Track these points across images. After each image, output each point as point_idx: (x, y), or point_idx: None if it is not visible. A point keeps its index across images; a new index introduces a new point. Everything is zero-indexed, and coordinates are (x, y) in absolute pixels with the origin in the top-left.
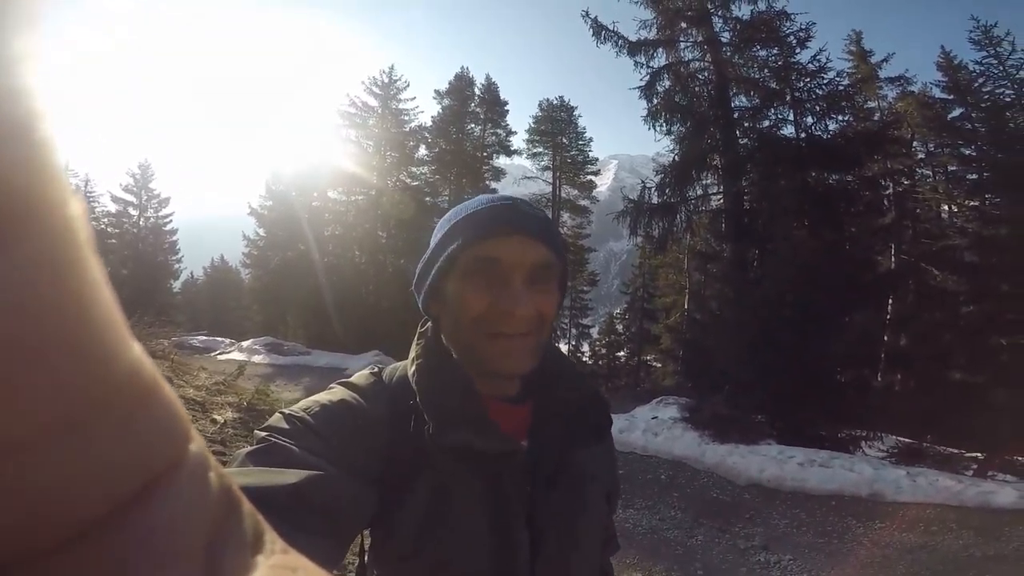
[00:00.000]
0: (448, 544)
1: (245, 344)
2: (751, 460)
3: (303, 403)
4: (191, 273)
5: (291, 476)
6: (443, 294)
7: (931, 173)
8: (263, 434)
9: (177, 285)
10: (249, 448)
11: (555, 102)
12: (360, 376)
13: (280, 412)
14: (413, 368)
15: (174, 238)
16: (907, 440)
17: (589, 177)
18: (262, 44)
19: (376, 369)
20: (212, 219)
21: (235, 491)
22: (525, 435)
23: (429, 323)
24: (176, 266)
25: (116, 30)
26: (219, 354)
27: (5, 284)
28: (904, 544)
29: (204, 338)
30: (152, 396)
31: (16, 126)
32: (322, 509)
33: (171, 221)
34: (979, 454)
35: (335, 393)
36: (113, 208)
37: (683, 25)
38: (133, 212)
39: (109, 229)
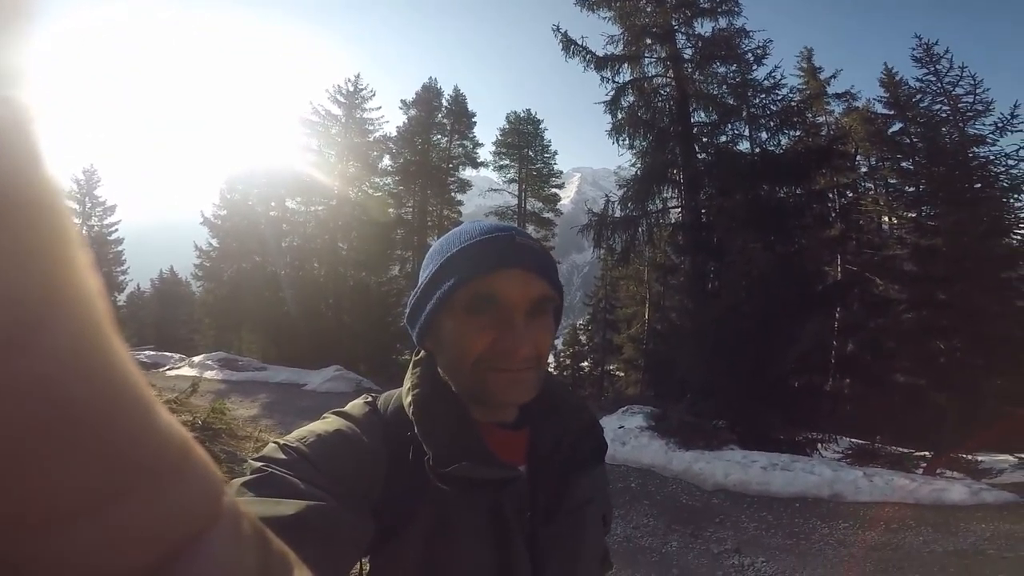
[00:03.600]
0: (450, 572)
1: (196, 359)
2: (716, 466)
3: (298, 433)
4: (137, 285)
5: (289, 507)
6: (439, 330)
7: (873, 186)
8: (259, 464)
9: (122, 298)
10: (245, 478)
11: (522, 115)
12: (355, 406)
13: (274, 442)
14: (409, 398)
15: (120, 248)
16: (859, 441)
17: (554, 190)
18: (219, 45)
19: (370, 399)
20: (160, 226)
21: (268, 535)
22: (523, 460)
23: (423, 352)
24: (121, 278)
25: (62, 23)
26: (168, 369)
27: (31, 375)
28: (868, 543)
29: (152, 353)
30: (185, 461)
31: (37, 211)
32: (321, 539)
33: (117, 230)
34: (927, 453)
35: (330, 423)
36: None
37: (648, 41)
38: (76, 221)
39: None
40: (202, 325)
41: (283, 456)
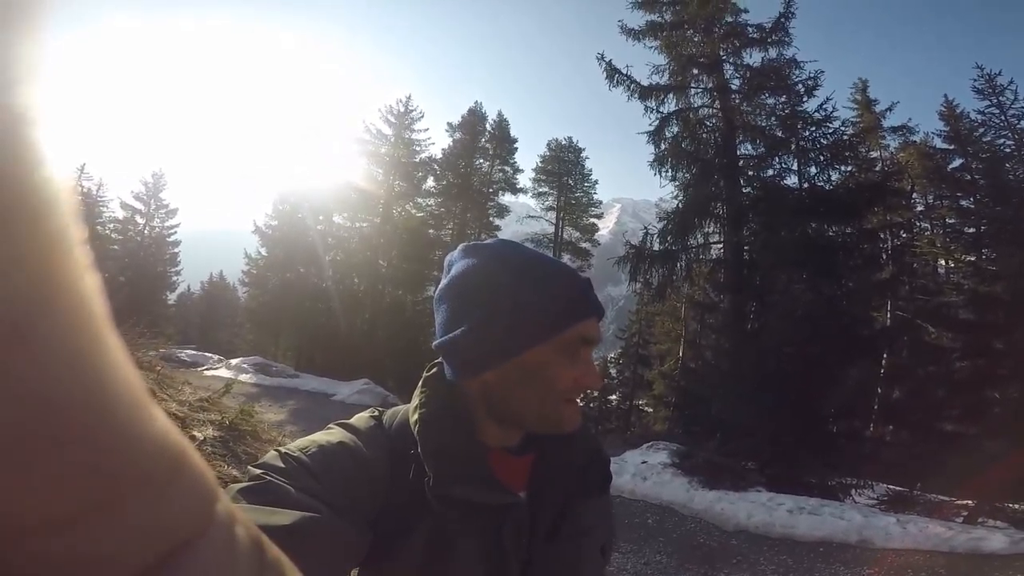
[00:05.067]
0: None
1: (233, 362)
2: (740, 506)
3: (300, 442)
4: (188, 286)
5: (284, 516)
6: (522, 359)
7: (929, 226)
8: (258, 471)
9: (172, 297)
10: (242, 484)
11: (563, 142)
12: (360, 419)
13: (276, 450)
14: (416, 416)
15: (176, 250)
16: (897, 488)
17: (592, 220)
18: (283, 64)
19: (376, 412)
20: (216, 231)
21: (263, 541)
22: (524, 487)
23: (435, 369)
24: (174, 278)
25: (143, 39)
26: (206, 370)
27: (25, 377)
28: None
29: (192, 352)
30: (180, 466)
31: (33, 212)
32: (315, 550)
33: (176, 232)
34: (970, 501)
35: (333, 435)
36: (120, 215)
37: (695, 71)
38: (140, 220)
39: (113, 235)
40: (243, 330)
41: (282, 464)
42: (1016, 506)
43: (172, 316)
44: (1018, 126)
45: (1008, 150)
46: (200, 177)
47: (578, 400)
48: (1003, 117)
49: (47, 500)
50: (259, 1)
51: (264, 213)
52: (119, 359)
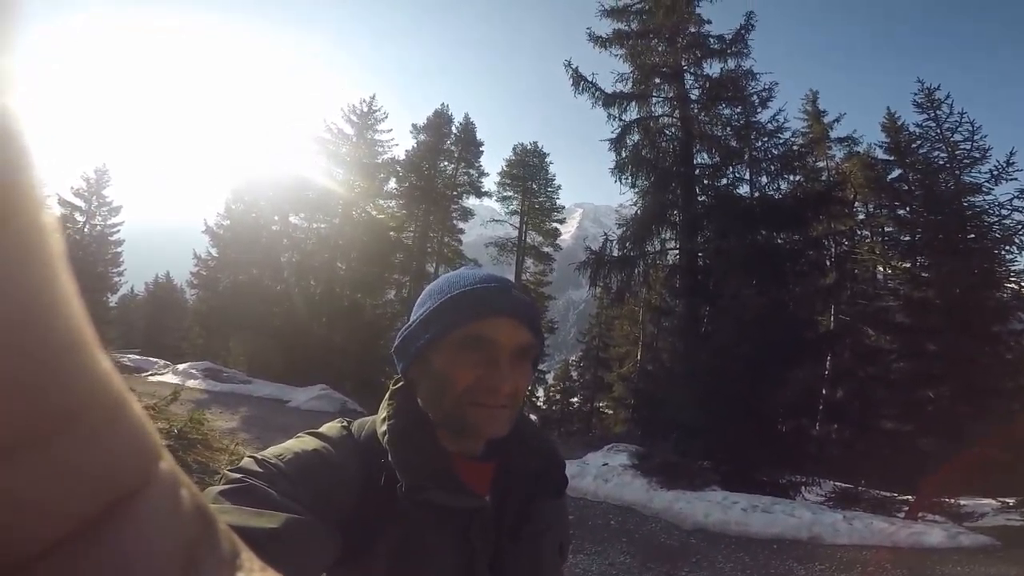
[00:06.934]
0: None
1: (181, 367)
2: (697, 506)
3: (274, 449)
4: (131, 287)
5: (271, 519)
6: (428, 363)
7: (869, 234)
8: (237, 475)
9: (114, 299)
10: (222, 487)
11: (528, 147)
12: (330, 428)
13: (251, 456)
14: (384, 427)
15: (119, 249)
16: (843, 485)
17: (555, 224)
18: (238, 58)
19: (345, 423)
20: (162, 229)
21: (210, 510)
22: (489, 490)
23: (401, 382)
24: (116, 279)
25: (93, 28)
26: (151, 375)
27: None
28: None
29: (136, 357)
30: (120, 412)
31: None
32: (300, 553)
33: (119, 231)
34: (910, 497)
35: (306, 442)
36: (59, 212)
37: (657, 80)
38: (80, 218)
39: None
40: (191, 333)
41: (260, 469)
42: (951, 501)
43: (114, 319)
44: (951, 139)
45: (941, 162)
46: (146, 173)
47: (495, 405)
48: (938, 130)
49: None
50: None
51: (216, 212)
52: (67, 293)
